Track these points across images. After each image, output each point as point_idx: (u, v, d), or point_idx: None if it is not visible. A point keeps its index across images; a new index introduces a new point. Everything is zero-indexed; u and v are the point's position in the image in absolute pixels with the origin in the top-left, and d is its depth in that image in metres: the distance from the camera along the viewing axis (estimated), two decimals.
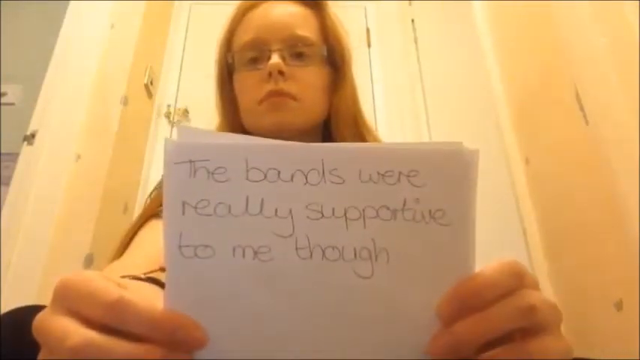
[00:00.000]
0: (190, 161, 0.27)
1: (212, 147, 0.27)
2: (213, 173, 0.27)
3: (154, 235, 0.60)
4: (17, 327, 0.35)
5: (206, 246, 0.26)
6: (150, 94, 1.91)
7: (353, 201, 0.27)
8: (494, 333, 0.26)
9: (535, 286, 0.28)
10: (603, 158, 0.91)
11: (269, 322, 0.26)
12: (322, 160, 0.27)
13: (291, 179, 0.27)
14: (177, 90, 2.07)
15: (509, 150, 1.35)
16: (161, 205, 0.68)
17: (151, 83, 1.90)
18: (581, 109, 0.99)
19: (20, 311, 0.37)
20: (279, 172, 0.27)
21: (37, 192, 1.18)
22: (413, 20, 2.17)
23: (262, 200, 0.27)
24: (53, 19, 1.46)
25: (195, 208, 0.26)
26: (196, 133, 0.28)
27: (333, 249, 0.27)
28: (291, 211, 0.27)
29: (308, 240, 0.26)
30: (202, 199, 0.26)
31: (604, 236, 0.96)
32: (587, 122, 0.98)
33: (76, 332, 0.24)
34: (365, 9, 2.26)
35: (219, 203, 0.26)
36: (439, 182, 0.27)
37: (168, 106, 2.02)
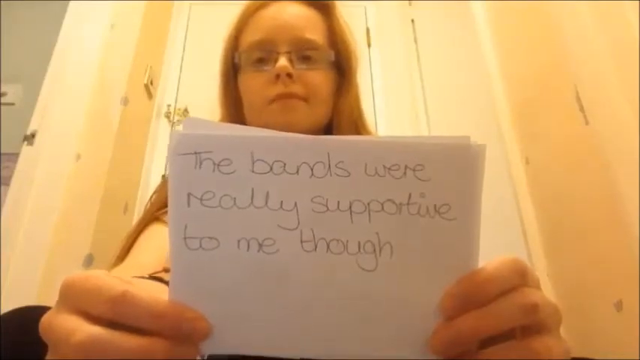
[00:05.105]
0: (196, 153, 0.26)
1: (218, 138, 0.27)
2: (218, 165, 0.26)
3: (156, 239, 0.60)
4: (17, 327, 0.35)
5: (211, 238, 0.26)
6: (150, 94, 1.91)
7: (358, 194, 0.27)
8: (495, 329, 0.26)
9: (537, 284, 0.28)
10: (603, 158, 0.91)
11: (272, 315, 0.26)
12: (328, 152, 0.27)
13: (297, 172, 0.27)
14: (177, 90, 2.07)
15: (509, 150, 1.35)
16: (161, 209, 0.68)
17: (151, 83, 1.90)
18: (581, 109, 0.99)
19: (20, 311, 0.37)
20: (284, 165, 0.27)
21: (37, 192, 1.18)
22: (413, 20, 2.17)
23: (268, 193, 0.27)
24: (53, 19, 1.46)
25: (201, 199, 0.26)
26: (202, 124, 0.27)
27: (338, 242, 0.27)
28: (296, 203, 0.27)
29: (313, 233, 0.27)
30: (208, 191, 0.26)
31: (604, 236, 0.96)
32: (587, 122, 0.98)
33: (82, 329, 0.24)
34: (365, 9, 2.26)
35: (225, 195, 0.26)
36: (445, 177, 0.27)
37: (168, 106, 2.02)
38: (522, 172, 1.31)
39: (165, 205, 0.63)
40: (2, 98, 1.84)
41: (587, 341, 0.98)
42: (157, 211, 0.64)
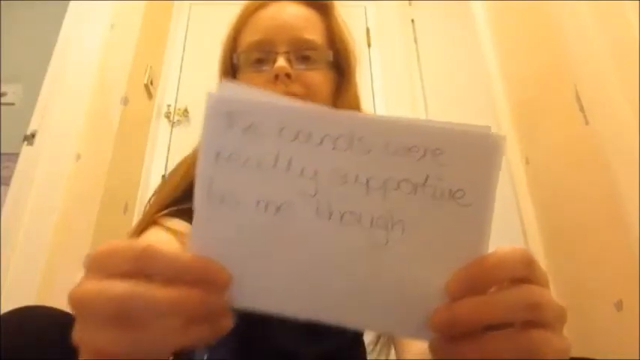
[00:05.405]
0: (228, 115, 0.28)
1: (250, 103, 0.28)
2: (248, 128, 0.28)
3: (155, 242, 0.60)
4: (17, 327, 0.35)
5: (232, 196, 0.27)
6: (150, 94, 1.91)
7: (376, 171, 0.28)
8: (494, 319, 0.26)
9: (545, 281, 0.28)
10: (603, 158, 0.91)
11: (283, 276, 0.27)
12: (352, 128, 0.28)
13: (321, 142, 0.28)
14: (177, 90, 2.07)
15: (509, 150, 1.35)
16: (160, 211, 0.67)
17: (151, 83, 1.90)
18: (581, 109, 1.00)
19: (20, 311, 0.37)
20: (310, 134, 0.28)
21: (37, 192, 1.18)
22: (413, 20, 2.17)
23: (291, 159, 0.28)
24: (53, 19, 1.46)
25: (228, 159, 0.28)
26: (237, 88, 0.29)
27: (352, 214, 0.27)
28: (316, 172, 0.28)
29: (329, 202, 0.27)
30: (235, 152, 0.28)
31: (604, 236, 0.96)
32: (587, 122, 0.98)
33: (112, 285, 0.24)
34: (365, 9, 2.26)
35: (251, 157, 0.28)
36: (463, 163, 0.27)
37: (168, 106, 2.02)
38: (522, 172, 1.31)
39: (165, 207, 0.64)
40: (2, 98, 1.84)
41: (587, 341, 0.98)
42: (155, 213, 0.64)
